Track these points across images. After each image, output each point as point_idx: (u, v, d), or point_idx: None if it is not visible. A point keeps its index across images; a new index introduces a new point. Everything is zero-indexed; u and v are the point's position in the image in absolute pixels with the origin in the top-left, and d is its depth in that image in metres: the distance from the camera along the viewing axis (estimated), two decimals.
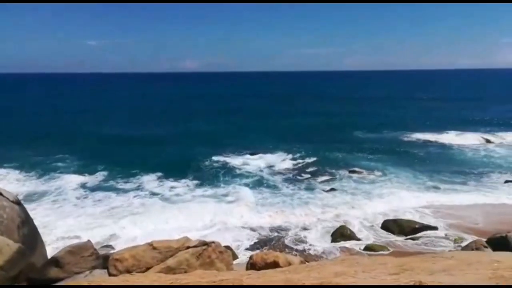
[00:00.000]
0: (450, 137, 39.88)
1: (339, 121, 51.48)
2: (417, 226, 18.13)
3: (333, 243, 17.18)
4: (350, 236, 17.40)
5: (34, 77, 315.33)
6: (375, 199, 22.16)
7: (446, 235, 17.56)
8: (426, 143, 38.09)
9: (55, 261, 11.86)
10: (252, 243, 17.40)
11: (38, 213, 19.02)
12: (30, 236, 12.18)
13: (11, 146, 35.34)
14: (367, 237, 17.73)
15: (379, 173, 27.28)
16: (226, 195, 23.14)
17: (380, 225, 18.75)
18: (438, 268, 4.99)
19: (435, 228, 18.13)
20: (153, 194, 23.52)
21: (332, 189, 23.91)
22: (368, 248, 16.36)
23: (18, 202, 12.78)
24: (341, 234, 17.44)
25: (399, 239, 17.38)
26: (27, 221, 12.55)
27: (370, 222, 19.28)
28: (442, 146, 36.53)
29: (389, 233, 17.99)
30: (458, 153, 33.58)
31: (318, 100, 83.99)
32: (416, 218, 19.37)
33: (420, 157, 32.04)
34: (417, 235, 17.49)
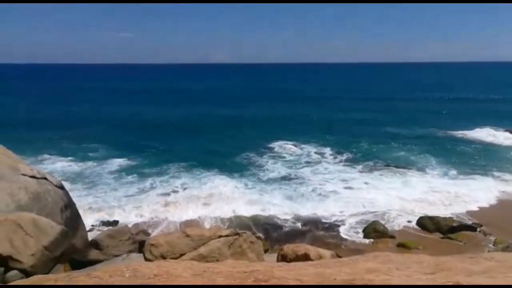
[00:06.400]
0: (487, 135, 37.75)
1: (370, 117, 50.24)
2: (455, 224, 17.44)
3: (365, 238, 16.93)
4: (383, 232, 17.04)
5: (71, 67, 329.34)
6: (410, 195, 21.53)
7: (485, 235, 16.82)
8: (464, 139, 36.34)
9: (95, 244, 12.51)
10: (283, 234, 17.49)
11: (79, 197, 19.97)
12: (72, 219, 12.87)
13: (52, 133, 37.38)
14: (401, 233, 17.31)
15: (416, 169, 26.42)
16: (255, 186, 23.27)
17: (415, 222, 18.24)
18: (477, 270, 4.80)
19: (474, 229, 17.39)
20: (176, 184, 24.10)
21: (366, 183, 23.45)
22: (401, 245, 15.97)
23: (61, 187, 13.52)
24: (374, 229, 17.12)
25: (435, 238, 16.84)
26: (69, 204, 13.27)
27: (405, 218, 18.79)
28: (481, 143, 34.57)
29: (425, 231, 17.47)
30: (498, 150, 31.76)
31: (346, 95, 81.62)
32: (454, 216, 18.67)
33: (458, 153, 30.67)
34: (455, 234, 16.81)
